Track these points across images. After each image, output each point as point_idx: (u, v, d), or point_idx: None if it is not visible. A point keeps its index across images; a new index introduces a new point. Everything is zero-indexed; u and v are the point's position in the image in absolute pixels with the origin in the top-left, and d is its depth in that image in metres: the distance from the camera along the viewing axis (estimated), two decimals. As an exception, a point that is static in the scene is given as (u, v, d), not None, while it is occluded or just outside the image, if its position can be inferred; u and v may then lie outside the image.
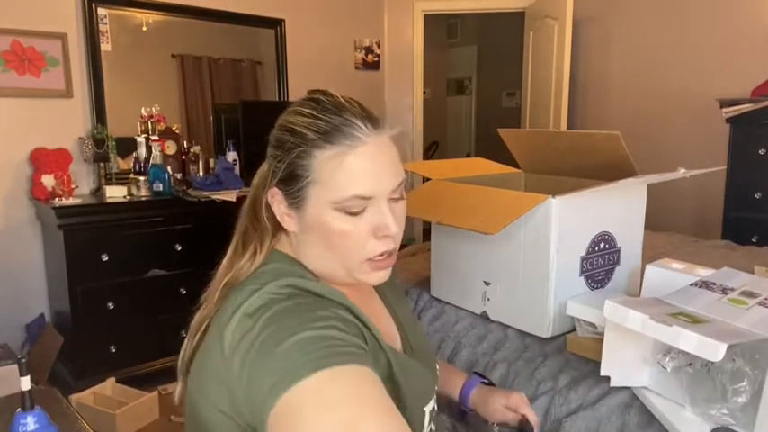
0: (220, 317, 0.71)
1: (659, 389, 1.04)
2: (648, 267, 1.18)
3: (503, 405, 0.99)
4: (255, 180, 0.84)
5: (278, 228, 0.81)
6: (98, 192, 2.83)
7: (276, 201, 0.78)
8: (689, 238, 2.39)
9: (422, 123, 4.36)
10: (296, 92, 3.62)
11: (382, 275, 0.78)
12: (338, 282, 0.79)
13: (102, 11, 2.89)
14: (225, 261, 0.81)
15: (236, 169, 3.07)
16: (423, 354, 0.91)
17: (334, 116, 0.73)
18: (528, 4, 4.07)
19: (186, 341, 0.82)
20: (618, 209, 1.37)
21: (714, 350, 0.76)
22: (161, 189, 2.76)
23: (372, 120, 0.75)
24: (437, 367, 0.96)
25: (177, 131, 3.09)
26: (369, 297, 0.91)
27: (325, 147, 0.72)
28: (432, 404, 0.84)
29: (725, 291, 1.01)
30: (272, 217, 0.80)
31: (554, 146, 1.61)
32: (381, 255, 0.76)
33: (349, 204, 0.72)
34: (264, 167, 0.82)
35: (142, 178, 2.77)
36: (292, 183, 0.74)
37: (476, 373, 1.10)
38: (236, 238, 0.83)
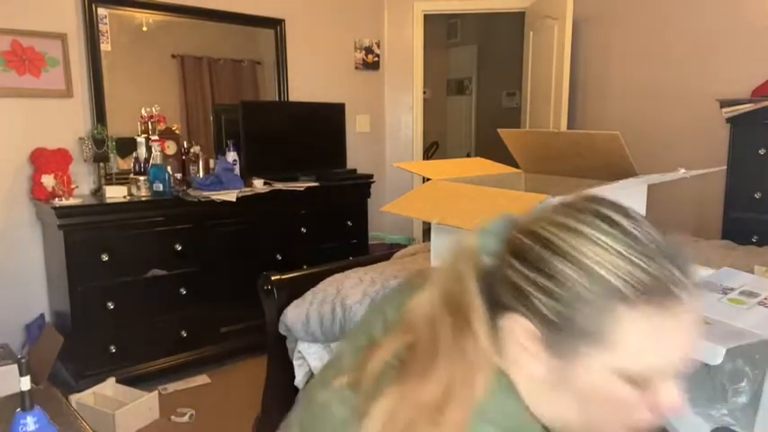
0: None
1: (659, 389, 1.04)
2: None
3: None
4: (459, 252, 0.63)
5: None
6: (98, 192, 2.83)
7: (517, 330, 0.58)
8: (689, 238, 2.39)
9: (422, 123, 4.35)
10: (296, 92, 3.61)
11: None
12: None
13: (102, 11, 2.89)
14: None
15: (236, 169, 3.06)
16: None
17: (650, 261, 0.53)
18: (528, 4, 4.07)
19: None
20: (618, 209, 1.37)
21: (713, 353, 0.76)
22: (161, 189, 2.76)
23: (693, 269, 0.55)
24: None
25: (177, 131, 3.09)
26: None
27: (636, 306, 0.52)
28: None
29: (725, 291, 1.01)
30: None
31: (554, 146, 1.61)
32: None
33: (644, 378, 0.54)
34: (476, 253, 0.62)
35: (142, 178, 2.77)
36: (561, 331, 0.55)
37: None
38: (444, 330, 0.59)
